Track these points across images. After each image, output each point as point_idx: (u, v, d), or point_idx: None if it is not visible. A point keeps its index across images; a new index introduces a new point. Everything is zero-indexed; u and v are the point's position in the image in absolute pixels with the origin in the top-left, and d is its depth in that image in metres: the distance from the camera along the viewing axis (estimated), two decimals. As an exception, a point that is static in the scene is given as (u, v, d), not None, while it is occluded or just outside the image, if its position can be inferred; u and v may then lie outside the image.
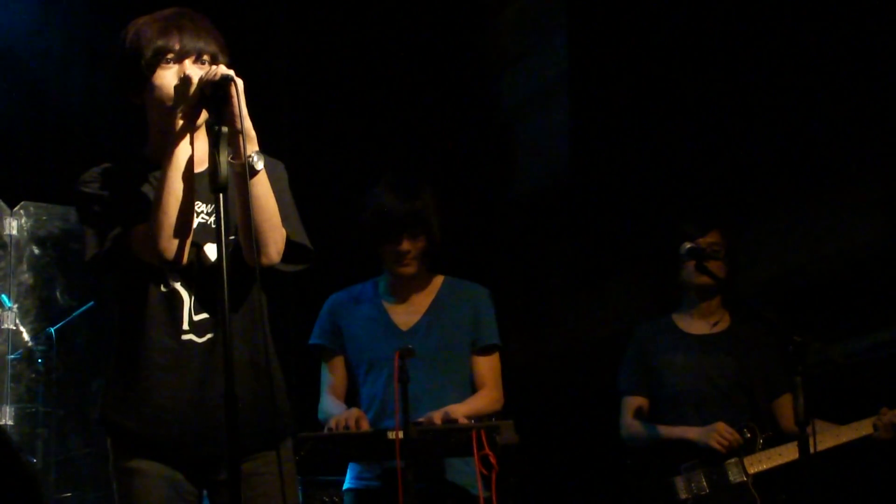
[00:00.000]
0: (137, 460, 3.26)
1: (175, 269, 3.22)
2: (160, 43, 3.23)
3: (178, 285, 3.27)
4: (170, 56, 3.23)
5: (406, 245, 4.46)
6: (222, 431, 2.91)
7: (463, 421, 4.15)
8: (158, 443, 3.25)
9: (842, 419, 4.78)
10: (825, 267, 5.63)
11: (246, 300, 3.30)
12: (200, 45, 3.25)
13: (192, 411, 3.24)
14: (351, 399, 4.54)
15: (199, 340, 3.27)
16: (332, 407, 4.44)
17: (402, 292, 4.59)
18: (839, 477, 4.86)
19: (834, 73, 5.49)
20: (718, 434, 4.76)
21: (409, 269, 4.51)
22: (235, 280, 2.99)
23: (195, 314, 3.27)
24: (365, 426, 4.22)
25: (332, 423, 4.24)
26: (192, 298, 3.27)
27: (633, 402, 5.05)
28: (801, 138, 5.63)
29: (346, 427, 4.19)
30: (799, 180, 5.68)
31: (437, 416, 4.19)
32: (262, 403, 3.20)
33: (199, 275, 3.27)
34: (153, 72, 3.23)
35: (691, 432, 4.84)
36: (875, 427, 4.71)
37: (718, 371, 4.94)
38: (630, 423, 5.03)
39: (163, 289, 3.27)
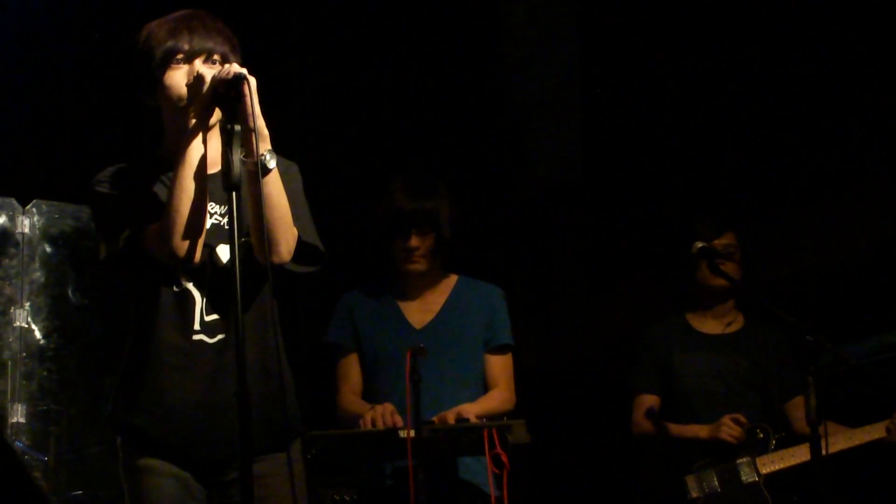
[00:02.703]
0: (147, 459, 3.27)
1: (188, 267, 3.23)
2: (170, 44, 3.25)
3: (190, 286, 3.28)
4: (180, 56, 3.25)
5: (415, 241, 4.46)
6: (231, 432, 2.92)
7: (475, 420, 4.15)
8: (167, 442, 3.26)
9: (854, 421, 4.77)
10: (837, 267, 5.62)
11: (257, 301, 3.31)
12: (210, 45, 3.26)
13: (202, 411, 3.25)
14: (365, 397, 4.54)
15: (211, 341, 3.28)
16: (355, 405, 4.44)
17: (415, 291, 4.59)
18: (851, 479, 4.85)
19: (846, 75, 5.48)
20: (726, 426, 4.76)
21: (418, 267, 4.50)
22: (247, 280, 2.99)
23: (207, 315, 3.29)
24: (399, 421, 4.22)
25: (367, 420, 4.22)
26: (204, 299, 3.29)
27: (646, 400, 5.04)
28: (814, 139, 5.62)
29: (384, 422, 4.18)
30: (811, 181, 5.67)
31: (449, 416, 4.19)
32: (272, 404, 3.22)
33: (211, 275, 3.28)
34: (164, 72, 3.25)
35: (702, 431, 4.84)
36: (888, 430, 4.70)
37: (731, 371, 4.94)
38: (641, 422, 5.02)
39: (175, 289, 3.28)
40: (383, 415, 4.20)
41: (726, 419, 4.77)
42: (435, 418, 4.17)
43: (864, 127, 5.46)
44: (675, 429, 4.92)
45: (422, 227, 4.44)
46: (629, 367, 5.15)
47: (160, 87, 3.27)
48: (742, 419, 4.78)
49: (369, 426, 4.19)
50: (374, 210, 4.55)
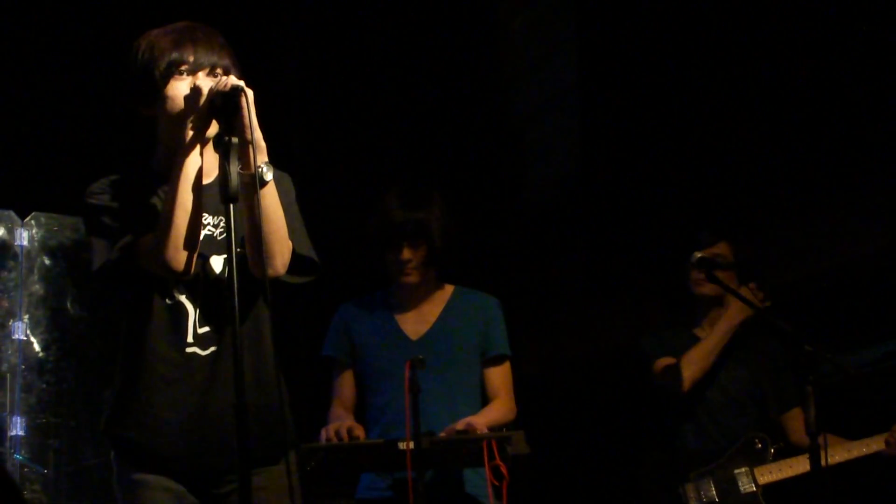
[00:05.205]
0: (141, 473, 3.27)
1: (182, 280, 3.23)
2: (174, 55, 3.24)
3: (183, 298, 3.28)
4: (183, 68, 3.24)
5: (407, 253, 4.45)
6: (225, 445, 2.92)
7: (483, 432, 4.14)
8: (161, 455, 3.26)
9: (853, 432, 4.76)
10: (836, 277, 5.62)
11: (251, 312, 3.31)
12: (214, 58, 3.26)
13: (195, 424, 3.25)
14: (361, 409, 4.54)
15: (203, 353, 3.27)
16: (334, 419, 4.44)
17: (411, 302, 4.58)
18: (850, 491, 4.84)
19: (842, 83, 5.49)
20: (750, 292, 4.72)
21: (412, 279, 4.49)
22: (241, 292, 2.98)
23: (199, 327, 3.28)
24: (359, 434, 4.22)
25: (322, 435, 4.22)
26: (197, 311, 3.28)
27: (664, 361, 4.95)
28: (811, 147, 5.63)
29: (339, 437, 4.18)
30: (808, 190, 5.68)
31: (459, 426, 4.17)
32: (266, 417, 3.22)
33: (204, 287, 3.28)
34: (166, 83, 3.24)
35: (733, 316, 4.81)
36: (887, 443, 4.70)
37: (731, 381, 4.93)
38: (664, 369, 4.91)
39: (168, 301, 3.27)
40: (339, 430, 4.19)
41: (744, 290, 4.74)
42: (443, 433, 4.16)
43: (862, 135, 5.46)
44: (703, 343, 4.85)
45: (413, 238, 4.43)
46: (626, 378, 5.13)
47: (161, 98, 3.26)
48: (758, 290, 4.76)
49: (323, 440, 4.18)
50: (368, 221, 4.55)
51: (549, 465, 6.15)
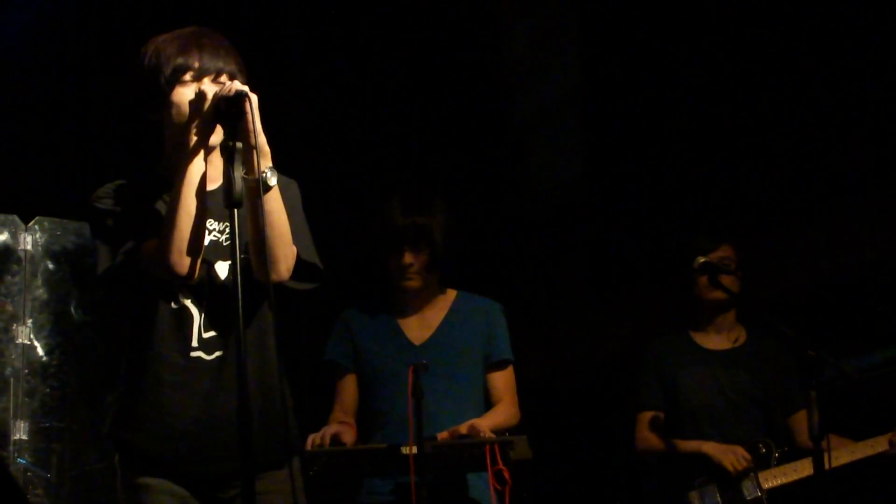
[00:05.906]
0: (145, 477, 3.27)
1: (186, 284, 3.24)
2: (180, 61, 3.25)
3: (188, 302, 3.29)
4: (189, 74, 3.25)
5: (409, 258, 4.46)
6: (229, 449, 2.93)
7: (487, 434, 4.14)
8: (166, 460, 3.26)
9: (857, 435, 4.76)
10: (840, 281, 5.62)
11: (255, 317, 3.31)
12: (220, 64, 3.27)
13: (200, 429, 3.26)
14: (363, 414, 4.54)
15: (208, 358, 3.28)
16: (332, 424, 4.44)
17: (414, 307, 4.59)
18: (855, 493, 4.84)
19: (849, 86, 5.49)
20: (735, 457, 4.74)
21: (413, 283, 4.50)
22: (246, 297, 2.99)
23: (204, 332, 3.29)
24: (348, 439, 4.22)
25: (307, 442, 4.21)
26: (202, 316, 3.29)
27: (649, 416, 5.02)
28: (815, 151, 5.62)
29: (321, 444, 4.17)
30: (812, 194, 5.67)
31: (462, 429, 4.17)
32: (270, 422, 3.22)
33: (209, 292, 3.29)
34: (172, 89, 3.25)
35: (707, 447, 4.82)
36: (891, 444, 4.70)
37: (735, 386, 4.93)
38: (646, 437, 5.00)
39: (173, 306, 3.28)
40: (322, 437, 4.19)
41: (740, 449, 4.76)
42: (446, 433, 4.16)
43: (866, 140, 5.46)
44: (681, 444, 4.90)
45: (415, 243, 4.44)
46: (631, 383, 5.14)
47: (166, 104, 3.27)
48: (749, 456, 4.77)
49: (308, 446, 4.18)
50: (371, 226, 4.56)
51: (551, 469, 6.15)
